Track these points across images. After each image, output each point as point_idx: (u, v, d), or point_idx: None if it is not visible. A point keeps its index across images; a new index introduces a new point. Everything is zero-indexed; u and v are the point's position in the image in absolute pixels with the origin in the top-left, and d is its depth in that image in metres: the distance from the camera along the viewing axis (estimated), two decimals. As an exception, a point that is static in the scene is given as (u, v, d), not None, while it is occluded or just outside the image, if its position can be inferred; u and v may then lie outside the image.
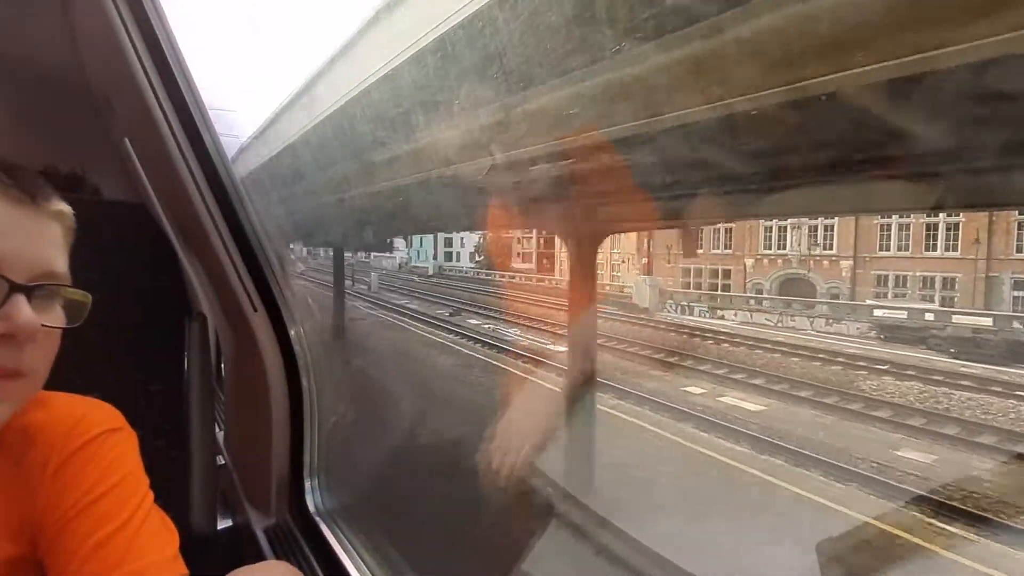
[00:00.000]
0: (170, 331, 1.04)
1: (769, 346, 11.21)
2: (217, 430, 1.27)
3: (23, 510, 0.51)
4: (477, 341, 12.21)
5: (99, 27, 0.89)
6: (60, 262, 0.51)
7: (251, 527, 1.09)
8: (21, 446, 0.52)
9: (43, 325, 0.47)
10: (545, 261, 36.08)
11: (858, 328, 12.62)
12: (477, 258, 38.06)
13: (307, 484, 1.15)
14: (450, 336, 12.80)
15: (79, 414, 0.56)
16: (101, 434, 0.55)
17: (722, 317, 15.81)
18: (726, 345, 11.80)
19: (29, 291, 0.46)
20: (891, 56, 1.91)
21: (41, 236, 0.49)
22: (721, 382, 9.02)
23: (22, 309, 0.45)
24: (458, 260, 38.66)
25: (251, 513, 1.12)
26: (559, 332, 12.93)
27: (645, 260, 21.36)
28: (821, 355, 10.10)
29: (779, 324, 14.57)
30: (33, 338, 0.46)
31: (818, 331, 13.10)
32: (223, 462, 1.24)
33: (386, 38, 4.73)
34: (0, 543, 0.50)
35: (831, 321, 13.38)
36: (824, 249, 18.16)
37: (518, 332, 14.00)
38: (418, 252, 39.62)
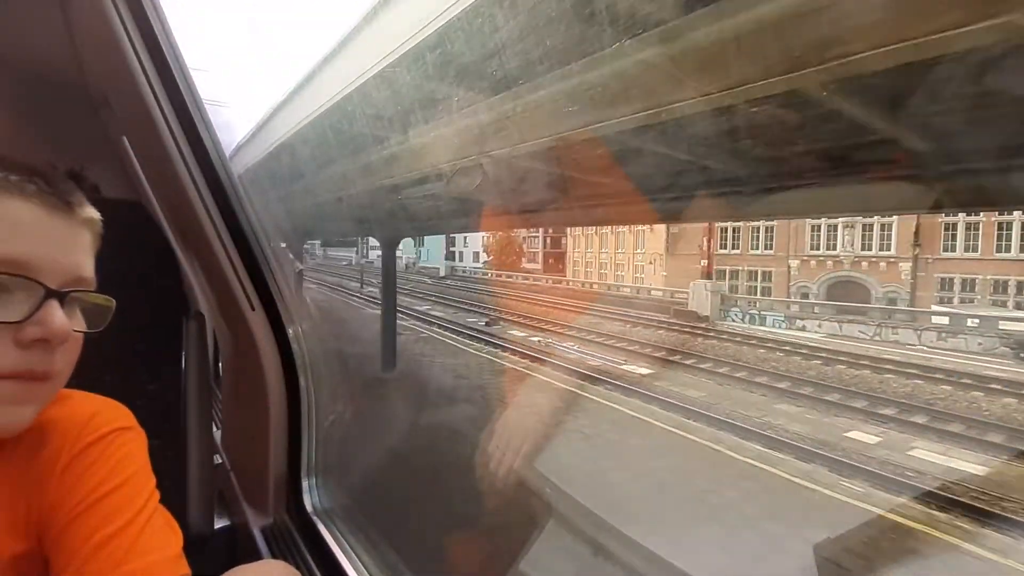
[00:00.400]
0: (168, 330, 1.05)
1: (891, 367, 9.24)
2: (214, 429, 1.28)
3: (31, 506, 0.52)
4: (549, 364, 10.24)
5: (97, 24, 0.89)
6: (88, 268, 0.53)
7: (248, 527, 1.10)
8: (35, 442, 0.53)
9: (74, 331, 0.50)
10: (552, 260, 35.50)
11: (981, 344, 10.49)
12: (485, 258, 37.16)
13: (304, 483, 1.16)
14: (512, 357, 10.81)
15: (91, 412, 0.57)
16: (111, 432, 0.57)
17: (803, 328, 13.53)
18: (841, 367, 9.79)
19: (62, 297, 0.49)
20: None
21: (74, 243, 0.51)
22: (880, 423, 7.04)
23: (56, 315, 0.48)
24: (461, 260, 38.13)
25: (248, 512, 1.13)
26: (637, 351, 11.35)
27: (704, 262, 19.14)
28: (965, 380, 8.29)
29: (877, 338, 12.11)
30: (64, 342, 0.49)
31: (930, 347, 10.98)
32: (220, 461, 1.25)
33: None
34: (8, 539, 0.51)
35: (944, 335, 11.16)
36: (880, 250, 16.24)
37: (585, 350, 11.72)
38: (420, 252, 38.49)
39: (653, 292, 19.24)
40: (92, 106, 1.15)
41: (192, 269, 1.14)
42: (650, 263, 23.36)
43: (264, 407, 1.12)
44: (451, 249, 38.96)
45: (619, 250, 26.89)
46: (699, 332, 13.41)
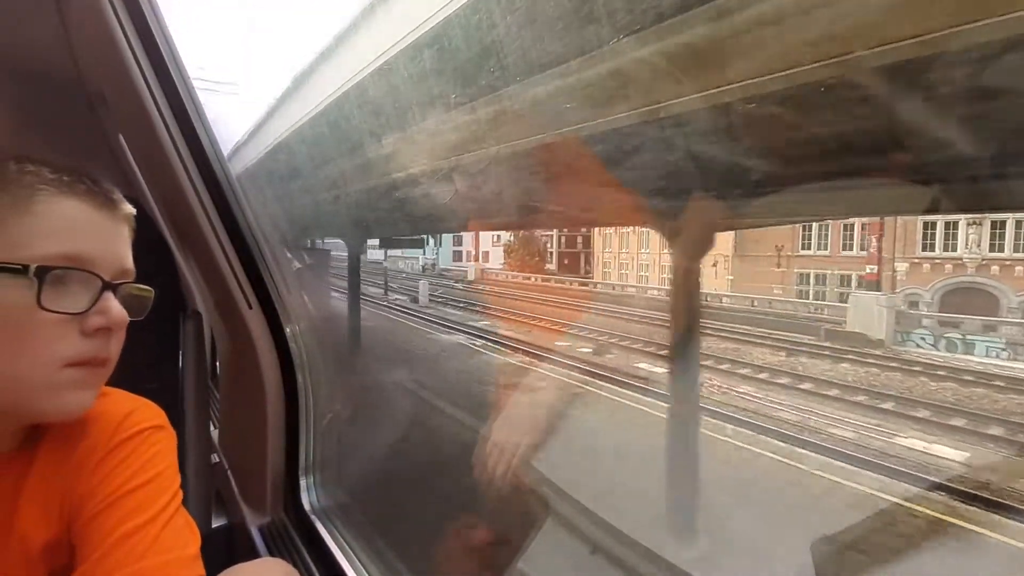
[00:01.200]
0: (165, 329, 1.07)
1: None
2: (212, 428, 1.29)
3: (65, 495, 0.56)
4: (766, 431, 6.14)
5: (94, 22, 0.91)
6: (130, 260, 0.58)
7: (246, 525, 1.12)
8: (75, 434, 0.58)
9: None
10: (567, 261, 33.46)
11: None
12: (500, 258, 34.17)
13: (302, 482, 1.17)
14: (737, 430, 6.20)
15: (128, 409, 0.62)
16: (146, 430, 0.61)
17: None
18: None
19: (115, 288, 0.54)
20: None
21: (118, 237, 0.57)
22: None
23: (114, 305, 0.53)
24: (468, 260, 36.23)
25: (246, 511, 1.15)
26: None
27: (874, 268, 15.16)
28: None
29: None
30: (121, 329, 0.55)
31: None
32: (218, 460, 1.27)
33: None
34: (42, 526, 0.55)
35: None
36: (1015, 251, 13.12)
37: (774, 398, 7.55)
38: (438, 253, 35.42)
39: (775, 303, 15.31)
40: (89, 104, 1.17)
41: (189, 267, 1.16)
42: (712, 265, 21.10)
43: (262, 406, 1.14)
44: (457, 248, 37.19)
45: (666, 250, 24.82)
46: (893, 365, 9.37)
